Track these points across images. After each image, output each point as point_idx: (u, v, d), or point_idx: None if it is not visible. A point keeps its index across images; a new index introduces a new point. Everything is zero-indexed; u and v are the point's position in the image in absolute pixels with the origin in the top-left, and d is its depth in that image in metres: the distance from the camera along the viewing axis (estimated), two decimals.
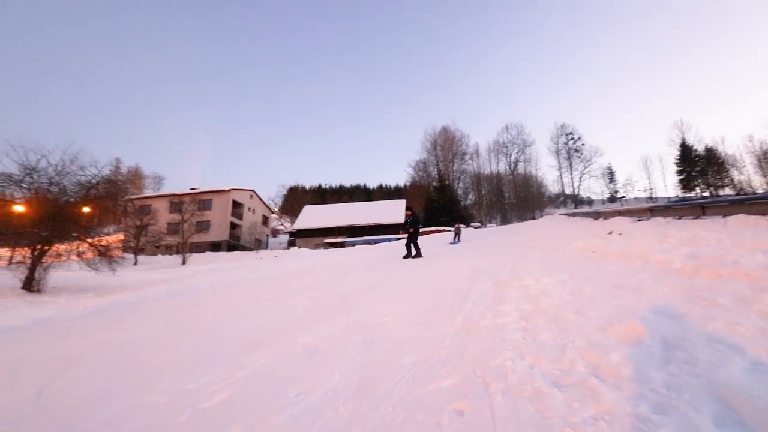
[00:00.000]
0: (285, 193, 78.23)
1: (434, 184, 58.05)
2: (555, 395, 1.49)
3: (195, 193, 38.14)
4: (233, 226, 40.47)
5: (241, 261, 22.20)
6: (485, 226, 41.08)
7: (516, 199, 59.30)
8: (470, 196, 62.89)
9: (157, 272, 16.57)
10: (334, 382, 1.99)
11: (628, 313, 2.36)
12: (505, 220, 54.31)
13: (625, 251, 4.80)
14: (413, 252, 9.65)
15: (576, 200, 61.88)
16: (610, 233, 7.33)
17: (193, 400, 1.98)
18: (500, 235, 15.53)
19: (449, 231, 32.77)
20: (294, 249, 33.78)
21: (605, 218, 11.18)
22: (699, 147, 54.41)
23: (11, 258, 10.50)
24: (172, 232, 30.56)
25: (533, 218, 42.97)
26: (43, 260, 10.25)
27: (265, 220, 50.38)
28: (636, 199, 59.49)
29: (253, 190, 45.93)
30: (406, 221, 10.27)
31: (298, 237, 42.33)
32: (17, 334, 4.96)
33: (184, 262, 24.70)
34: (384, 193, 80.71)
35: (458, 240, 16.64)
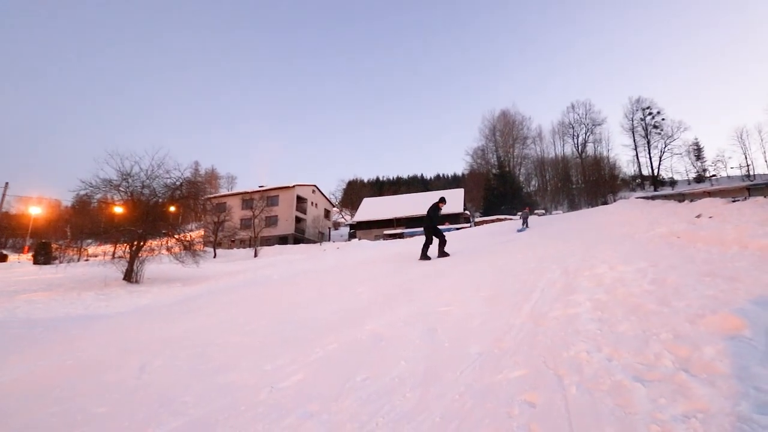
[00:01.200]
0: (344, 186, 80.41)
1: (494, 171, 55.98)
2: (638, 390, 1.39)
3: (263, 191, 40.78)
4: (298, 220, 42.59)
5: (306, 253, 23.37)
6: (550, 213, 38.75)
7: (585, 183, 54.97)
8: (533, 182, 59.69)
9: (233, 264, 18.04)
10: (400, 369, 2.04)
11: (722, 303, 2.11)
12: (573, 206, 50.63)
13: (717, 236, 4.26)
14: (436, 251, 7.78)
15: (656, 182, 55.61)
16: (699, 216, 6.53)
17: (271, 380, 2.15)
18: (568, 221, 14.57)
19: (511, 219, 31.47)
20: (355, 241, 34.77)
21: (692, 200, 9.98)
22: None
23: (114, 253, 12.11)
24: (245, 227, 33.07)
25: (605, 203, 39.49)
26: (140, 254, 11.70)
27: (327, 214, 52.32)
28: (729, 177, 51.87)
29: (315, 185, 47.85)
30: (433, 214, 8.09)
31: (359, 229, 43.43)
32: (122, 318, 5.73)
33: (256, 255, 26.57)
34: (442, 182, 79.60)
35: (527, 226, 16.00)
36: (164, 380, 2.49)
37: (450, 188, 55.68)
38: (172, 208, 13.50)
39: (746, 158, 54.43)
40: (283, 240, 39.53)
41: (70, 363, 3.19)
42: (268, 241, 36.09)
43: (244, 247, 32.67)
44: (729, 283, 2.48)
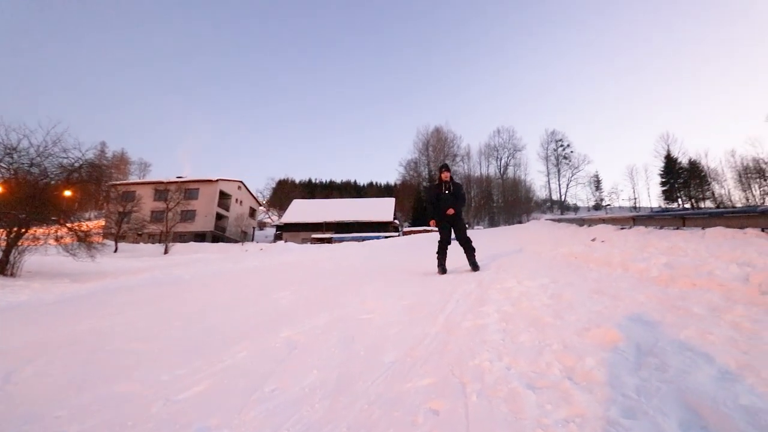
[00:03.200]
0: (274, 186, 77.59)
1: (424, 183, 58.28)
2: (529, 396, 1.51)
3: (181, 182, 37.54)
4: (219, 216, 39.98)
5: (226, 252, 21.95)
6: (472, 228, 41.36)
7: (504, 202, 59.92)
8: None
9: (138, 260, 16.27)
10: (311, 378, 1.98)
11: (605, 318, 2.41)
12: (493, 223, 54.87)
13: (606, 258, 4.89)
14: (470, 262, 5.39)
15: (562, 206, 62.80)
16: (594, 240, 7.46)
17: (168, 391, 1.95)
18: (487, 237, 15.68)
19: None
20: (281, 243, 33.56)
21: (589, 225, 11.38)
22: (683, 160, 55.84)
23: None
24: (156, 220, 30.09)
25: (520, 222, 43.44)
26: (20, 243, 9.98)
27: (253, 213, 49.90)
28: (620, 207, 60.67)
29: (241, 182, 45.45)
30: (442, 190, 5.48)
31: (286, 231, 42.05)
32: None
33: (166, 251, 24.31)
34: (375, 190, 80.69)
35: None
36: (35, 392, 2.12)
37: (381, 197, 56.67)
38: (68, 193, 11.78)
39: (634, 192, 63.96)
40: (200, 237, 36.75)
41: None
42: (183, 238, 33.27)
43: (153, 243, 29.64)
44: (612, 301, 2.85)
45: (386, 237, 29.76)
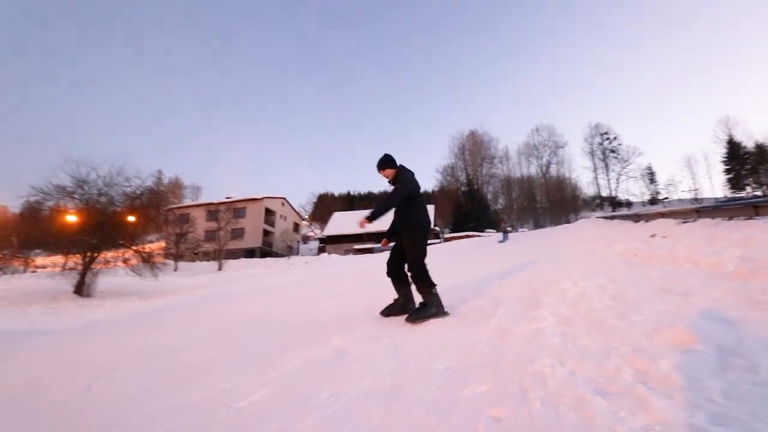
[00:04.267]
0: (315, 200, 79.77)
1: (463, 188, 57.38)
2: (599, 403, 1.40)
3: (230, 202, 39.65)
4: (266, 233, 41.63)
5: (273, 267, 22.76)
6: (515, 231, 39.97)
7: (549, 202, 57.43)
8: (500, 201, 61.61)
9: (195, 278, 17.25)
10: (365, 385, 1.98)
11: (676, 318, 2.20)
12: (538, 225, 52.65)
13: (671, 254, 4.51)
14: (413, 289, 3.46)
15: (613, 203, 58.98)
16: (653, 236, 6.92)
17: (229, 399, 2.03)
18: (535, 238, 15.07)
19: (480, 236, 32.16)
20: (324, 255, 34.26)
21: (647, 221, 10.60)
22: (748, 143, 50.67)
23: (65, 264, 11.28)
24: (209, 239, 31.85)
25: (567, 222, 41.33)
26: (93, 266, 10.96)
27: (296, 227, 51.51)
28: (680, 200, 55.94)
29: (284, 198, 47.14)
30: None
31: (328, 243, 42.96)
32: (70, 335, 5.30)
33: (220, 268, 25.60)
34: None
35: (507, 238, 17.75)
36: (110, 401, 2.29)
37: None
38: (131, 218, 12.81)
39: (694, 182, 58.80)
40: (249, 253, 38.40)
41: (5, 384, 2.89)
42: (234, 254, 34.88)
43: (208, 260, 31.39)
44: (682, 299, 2.61)
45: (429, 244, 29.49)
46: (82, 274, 10.65)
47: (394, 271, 3.53)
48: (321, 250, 43.41)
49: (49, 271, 12.12)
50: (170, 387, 2.38)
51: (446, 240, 36.61)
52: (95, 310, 8.35)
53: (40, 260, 24.37)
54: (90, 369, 3.09)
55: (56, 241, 11.13)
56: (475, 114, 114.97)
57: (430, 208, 45.83)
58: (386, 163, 3.52)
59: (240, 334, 3.79)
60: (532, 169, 62.22)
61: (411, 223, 3.40)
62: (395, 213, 3.49)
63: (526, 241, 14.88)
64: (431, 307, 3.18)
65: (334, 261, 20.77)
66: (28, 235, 12.14)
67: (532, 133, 62.69)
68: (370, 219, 3.28)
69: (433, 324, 3.02)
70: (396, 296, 3.58)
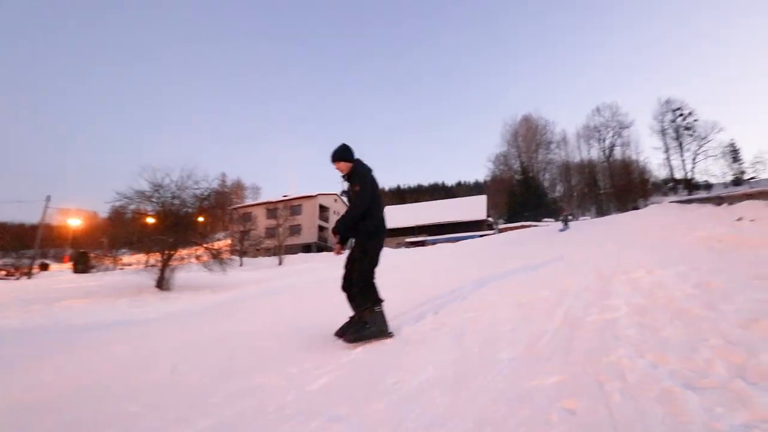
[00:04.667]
0: None
1: (517, 177, 54.97)
2: (690, 397, 1.29)
3: (287, 200, 41.58)
4: (321, 228, 43.07)
5: (330, 261, 23.53)
6: (576, 219, 37.59)
7: (613, 188, 53.13)
8: (558, 188, 58.20)
9: (259, 272, 18.31)
10: (428, 373, 1.99)
11: None
12: (601, 212, 49.02)
13: (762, 239, 4.00)
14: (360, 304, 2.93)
15: (689, 185, 52.96)
16: (740, 220, 6.16)
17: (298, 383, 2.14)
18: (599, 226, 14.10)
19: (537, 225, 30.72)
20: None
21: (731, 203, 9.43)
22: None
23: (147, 262, 12.53)
24: (270, 235, 33.65)
25: (635, 208, 37.98)
26: (170, 263, 12.06)
27: None
28: None
29: (337, 194, 48.37)
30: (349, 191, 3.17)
31: None
32: (154, 324, 5.89)
33: (281, 263, 26.98)
34: (464, 189, 78.90)
35: (567, 227, 16.90)
36: (194, 382, 2.52)
37: (471, 195, 55.05)
38: (201, 218, 13.89)
39: None
40: (306, 248, 40.01)
41: (105, 366, 3.29)
42: (292, 250, 36.57)
43: (269, 256, 33.21)
44: None
45: (481, 236, 28.71)
46: (162, 270, 11.77)
47: (350, 284, 3.05)
48: None
49: (134, 268, 13.55)
50: (245, 370, 2.56)
51: (500, 231, 35.46)
52: (174, 302, 9.20)
53: (126, 258, 27.32)
54: (174, 354, 3.42)
55: (138, 240, 12.39)
56: (529, 98, 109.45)
57: (482, 199, 44.61)
58: (342, 154, 3.08)
59: (302, 323, 3.97)
60: (593, 153, 57.74)
61: (369, 229, 2.97)
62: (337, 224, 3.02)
63: (589, 229, 13.96)
64: (371, 326, 2.77)
65: (388, 254, 21.00)
66: (115, 236, 13.65)
67: (593, 114, 57.77)
68: (336, 231, 2.94)
69: (495, 314, 2.95)
70: (352, 314, 3.05)
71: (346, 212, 2.94)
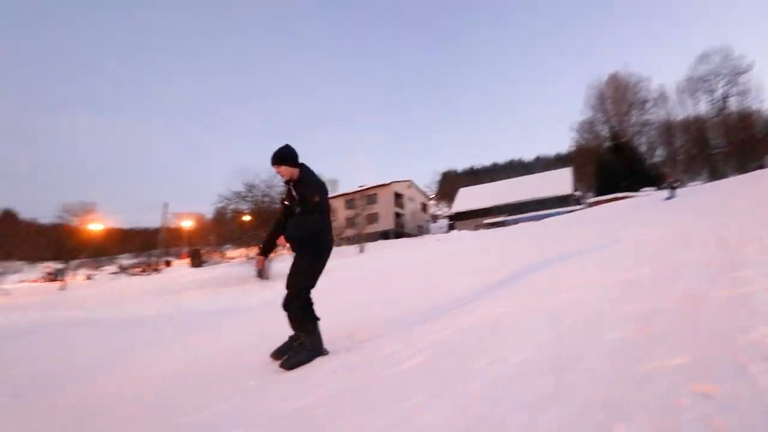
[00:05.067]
0: (439, 178, 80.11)
1: (606, 144, 49.41)
2: None
3: (363, 190, 42.96)
4: (397, 215, 43.77)
5: (407, 246, 23.83)
6: (684, 186, 32.71)
7: (729, 145, 44.90)
8: (658, 152, 51.03)
9: (343, 260, 19.24)
10: (524, 354, 1.91)
11: None
12: (715, 176, 41.86)
13: None
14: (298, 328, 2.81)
15: None
16: None
17: (390, 362, 2.21)
18: (710, 193, 12.16)
19: (636, 196, 27.48)
20: (454, 232, 34.29)
21: None
22: None
23: (247, 255, 14.02)
24: (349, 225, 35.20)
25: (761, 167, 31.60)
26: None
27: (424, 207, 52.68)
28: None
29: (410, 181, 48.59)
30: (286, 199, 2.99)
31: (457, 220, 42.77)
32: (259, 309, 6.55)
33: (361, 251, 28.05)
34: (542, 164, 73.51)
35: (674, 195, 15.28)
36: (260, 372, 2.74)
37: (553, 169, 50.97)
38: None
39: None
40: (384, 235, 41.02)
41: (214, 349, 3.76)
42: (372, 238, 37.76)
43: (350, 244, 34.78)
44: None
45: (568, 212, 26.57)
46: None
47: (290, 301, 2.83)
48: (451, 227, 43.47)
49: (238, 261, 15.21)
50: (340, 348, 2.73)
51: (590, 205, 32.42)
52: (273, 289, 10.17)
53: (230, 253, 30.74)
54: (274, 339, 3.77)
55: (239, 236, 13.88)
56: (615, 56, 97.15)
57: (567, 172, 41.16)
58: (287, 158, 2.78)
59: (387, 306, 4.09)
60: (701, 108, 49.29)
61: (318, 239, 2.78)
62: (293, 223, 2.76)
63: (701, 196, 12.12)
64: (310, 348, 2.67)
65: (464, 237, 20.59)
66: (220, 233, 15.39)
67: (697, 63, 49.04)
68: (290, 239, 2.72)
69: (594, 293, 2.72)
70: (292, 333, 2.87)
71: (306, 222, 2.69)
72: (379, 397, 1.78)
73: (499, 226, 30.45)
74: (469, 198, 44.52)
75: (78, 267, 30.59)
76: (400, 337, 2.71)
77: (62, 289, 19.22)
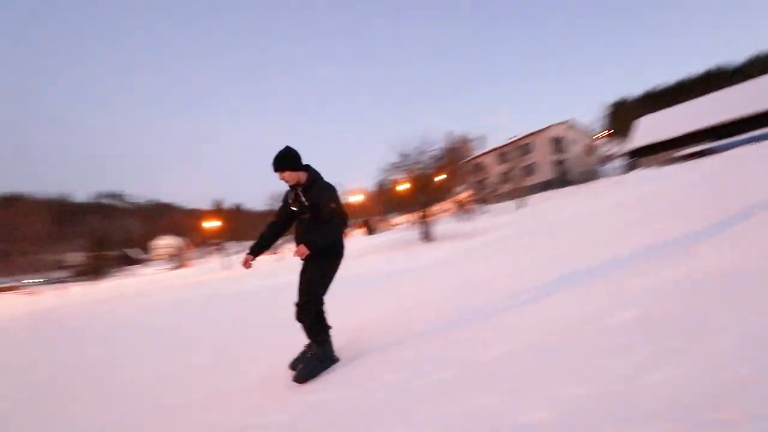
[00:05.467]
0: (609, 111, 67.49)
1: None
2: None
3: (515, 141, 39.98)
4: (558, 162, 39.33)
5: (573, 195, 21.39)
6: None
7: None
8: None
9: (499, 218, 18.77)
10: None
11: None
12: None
13: None
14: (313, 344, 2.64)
15: None
16: None
17: (596, 315, 2.11)
18: None
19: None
20: (635, 172, 28.67)
21: None
22: None
23: (411, 220, 15.23)
24: (504, 180, 33.62)
25: None
26: (428, 219, 14.16)
27: (589, 149, 45.61)
28: None
29: (570, 121, 42.53)
30: (289, 198, 2.68)
31: (638, 156, 35.35)
32: (428, 269, 7.13)
33: (519, 206, 26.62)
34: (760, 64, 52.24)
35: None
36: (444, 315, 2.96)
37: None
38: (442, 176, 15.51)
39: None
40: (546, 186, 37.55)
41: (391, 308, 4.34)
42: (532, 190, 35.18)
43: (507, 200, 33.32)
44: None
45: None
46: (423, 226, 14.01)
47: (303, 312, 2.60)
48: (630, 166, 36.41)
49: (403, 226, 16.70)
50: (508, 306, 2.83)
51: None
52: (438, 249, 10.88)
53: (395, 220, 33.77)
54: (452, 295, 4.13)
55: (400, 204, 15.15)
56: None
57: None
58: (289, 161, 2.52)
59: (541, 269, 3.93)
60: None
61: (335, 248, 2.59)
62: (308, 231, 2.51)
63: None
64: (323, 360, 2.55)
65: (650, 177, 17.01)
66: (384, 203, 17.10)
67: None
68: (312, 247, 2.43)
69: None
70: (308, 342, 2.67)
71: (328, 232, 2.52)
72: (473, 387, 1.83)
73: (702, 156, 23.75)
74: (652, 128, 35.74)
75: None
76: (597, 292, 2.63)
77: (279, 260, 24.68)
